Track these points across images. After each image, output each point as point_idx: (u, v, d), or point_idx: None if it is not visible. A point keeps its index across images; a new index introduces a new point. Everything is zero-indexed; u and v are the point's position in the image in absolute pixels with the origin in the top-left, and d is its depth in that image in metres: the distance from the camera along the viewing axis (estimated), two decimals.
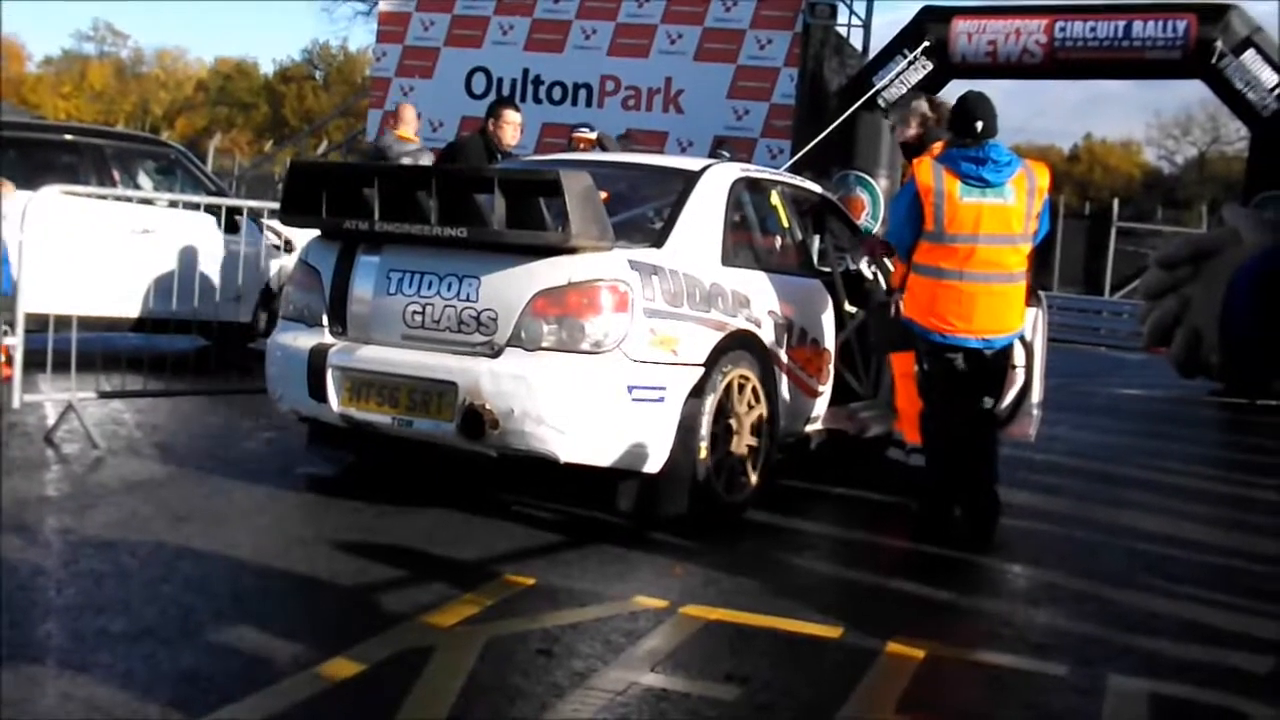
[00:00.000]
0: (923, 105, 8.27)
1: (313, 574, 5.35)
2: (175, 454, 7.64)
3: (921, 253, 6.97)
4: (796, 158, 16.48)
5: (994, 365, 7.02)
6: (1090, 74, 17.79)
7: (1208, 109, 57.83)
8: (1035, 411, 8.23)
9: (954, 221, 6.82)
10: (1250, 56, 16.40)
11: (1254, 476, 10.32)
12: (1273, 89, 16.26)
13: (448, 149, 10.96)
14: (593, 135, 11.79)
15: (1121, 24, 17.10)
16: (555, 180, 6.00)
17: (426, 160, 10.86)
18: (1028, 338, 7.97)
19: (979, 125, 6.91)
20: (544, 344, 6.13)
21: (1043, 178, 7.04)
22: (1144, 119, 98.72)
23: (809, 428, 7.88)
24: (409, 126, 11.64)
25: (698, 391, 6.48)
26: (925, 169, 6.96)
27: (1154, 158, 67.70)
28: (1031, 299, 7.51)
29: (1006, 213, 6.84)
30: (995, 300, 6.86)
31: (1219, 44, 16.39)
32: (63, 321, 7.91)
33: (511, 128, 10.28)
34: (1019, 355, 7.89)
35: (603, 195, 6.37)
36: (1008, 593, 6.23)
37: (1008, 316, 6.94)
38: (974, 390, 7.02)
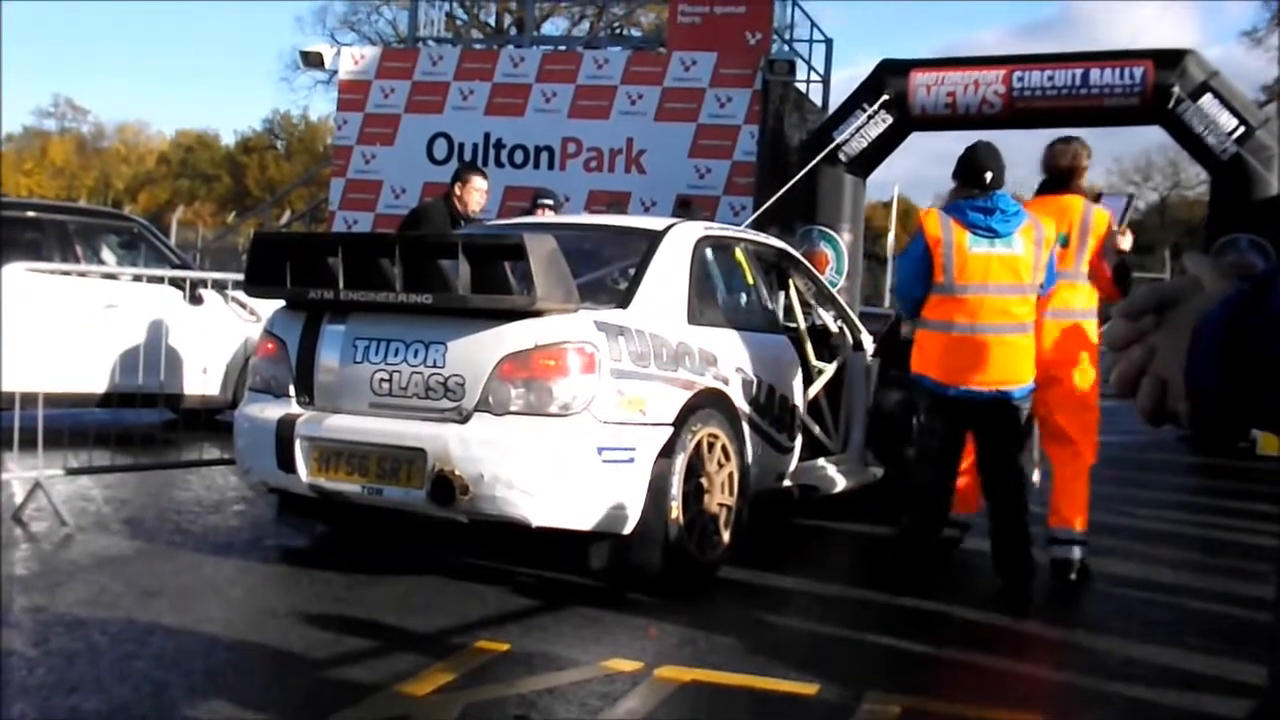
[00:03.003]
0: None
1: (286, 646, 5.31)
2: (144, 529, 7.59)
3: (931, 306, 6.97)
4: (758, 214, 16.53)
5: (1012, 419, 7.00)
6: (1050, 122, 17.81)
7: (1167, 154, 58.34)
8: (1035, 456, 8.30)
9: (964, 272, 6.83)
10: (1208, 101, 16.51)
11: (1225, 520, 10.35)
12: (1231, 132, 16.36)
13: (410, 215, 10.96)
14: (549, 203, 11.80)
15: (1079, 72, 17.19)
16: (519, 244, 6.01)
17: None
18: None
19: (988, 176, 6.91)
20: (512, 408, 6.13)
21: (1049, 228, 7.04)
22: (1105, 165, 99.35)
23: (780, 484, 7.87)
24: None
25: (668, 451, 6.48)
26: (933, 220, 6.96)
27: None
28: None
29: (1015, 262, 6.84)
30: (1008, 350, 6.84)
31: (1176, 89, 16.49)
32: (28, 398, 7.86)
33: (479, 194, 10.30)
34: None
35: None
36: (983, 643, 6.21)
37: (1021, 367, 6.91)
38: (995, 447, 7.00)
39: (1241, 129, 16.43)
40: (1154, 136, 18.18)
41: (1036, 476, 7.90)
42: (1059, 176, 7.80)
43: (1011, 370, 6.87)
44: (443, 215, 10.14)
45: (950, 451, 7.06)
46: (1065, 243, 7.53)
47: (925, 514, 7.13)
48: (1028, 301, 6.93)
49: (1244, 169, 16.30)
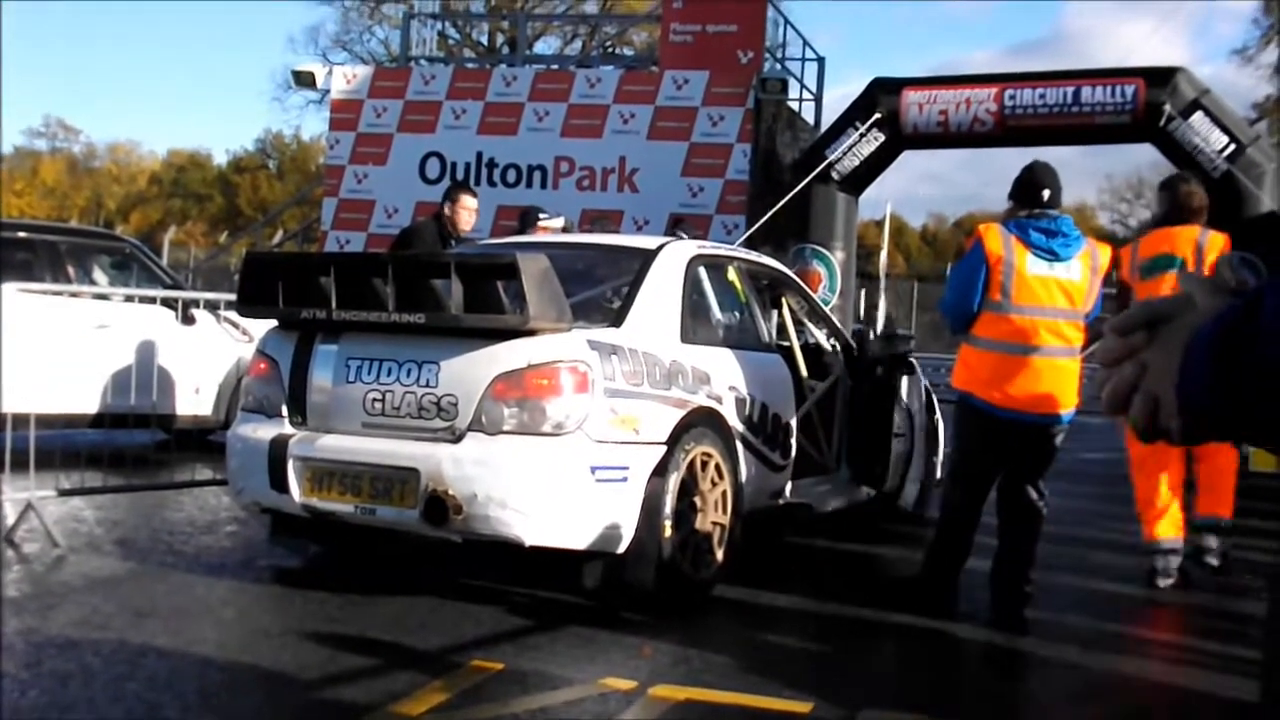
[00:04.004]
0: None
1: (279, 667, 5.30)
2: (137, 550, 7.58)
3: (983, 324, 6.86)
4: (750, 232, 16.54)
5: (1052, 444, 6.96)
6: (1041, 141, 17.86)
7: (1159, 171, 58.26)
8: (917, 484, 8.48)
9: (1021, 293, 6.74)
10: (1199, 119, 16.53)
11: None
12: (1221, 150, 16.39)
13: (401, 235, 10.94)
14: (558, 223, 11.73)
15: (1070, 90, 17.20)
16: (512, 263, 6.02)
17: None
18: (906, 404, 8.12)
19: (1045, 194, 6.85)
20: (505, 427, 6.13)
21: (1105, 256, 6.99)
22: (1096, 184, 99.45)
23: (773, 502, 7.86)
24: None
25: (661, 470, 6.47)
26: (994, 236, 6.83)
27: (1107, 222, 68.21)
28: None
29: (1071, 287, 6.77)
30: (1059, 374, 6.78)
31: (1168, 107, 16.52)
32: (20, 420, 7.85)
33: (467, 213, 10.28)
34: (900, 422, 8.03)
35: None
36: (976, 661, 6.21)
37: (1070, 391, 6.85)
38: (1027, 470, 6.94)
39: (1232, 147, 16.47)
40: (1145, 154, 18.19)
41: (912, 502, 7.89)
42: (1188, 215, 8.17)
43: (1061, 394, 6.81)
44: (433, 235, 10.13)
45: (988, 474, 6.99)
46: (1183, 267, 7.77)
47: (955, 536, 7.07)
48: (1078, 326, 6.85)
49: (1235, 186, 16.34)
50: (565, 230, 11.59)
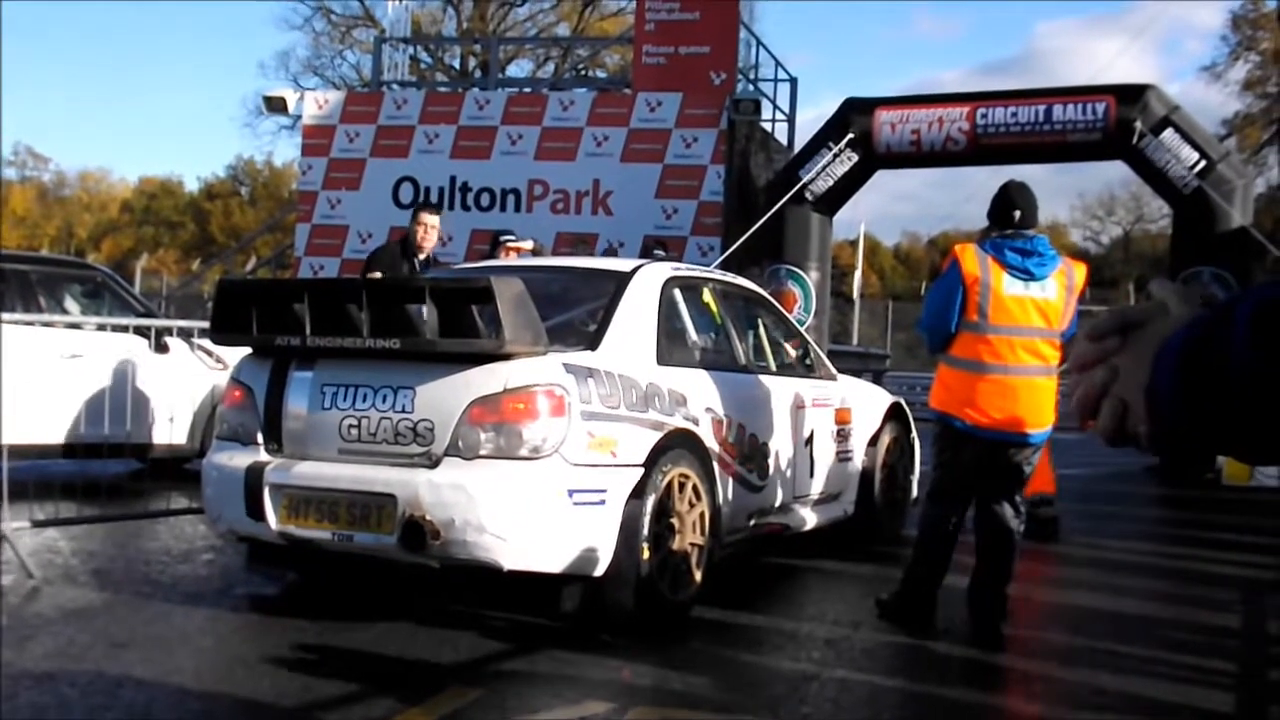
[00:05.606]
0: None
1: (257, 695, 5.28)
2: (112, 580, 7.54)
3: (960, 344, 6.87)
4: (726, 254, 16.58)
5: (1028, 461, 6.97)
6: (1014, 159, 17.97)
7: (1130, 188, 58.77)
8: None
9: (998, 313, 6.75)
10: (1169, 135, 16.64)
11: (1192, 550, 10.38)
12: (1192, 167, 16.49)
13: (368, 259, 10.96)
14: (527, 245, 11.76)
15: (1042, 108, 17.30)
16: (487, 287, 6.01)
17: None
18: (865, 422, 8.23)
19: (1016, 214, 6.86)
20: (482, 452, 6.12)
21: (1080, 276, 7.01)
22: (1068, 201, 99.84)
23: (751, 523, 7.85)
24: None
25: (638, 492, 6.47)
26: (970, 257, 6.84)
27: (1080, 238, 68.46)
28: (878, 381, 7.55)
29: (1047, 306, 6.78)
30: (1037, 393, 6.80)
31: (1138, 124, 16.62)
32: None
33: (424, 229, 10.29)
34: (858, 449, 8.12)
35: None
36: (955, 677, 6.21)
37: (1047, 409, 6.87)
38: (998, 489, 6.94)
39: (1203, 163, 16.59)
40: (1116, 171, 18.26)
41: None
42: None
43: (1041, 413, 6.83)
44: (394, 256, 10.16)
45: (966, 492, 7.00)
46: None
47: (934, 553, 7.06)
48: (1054, 344, 6.86)
49: (1206, 202, 16.44)
50: (536, 253, 11.62)
